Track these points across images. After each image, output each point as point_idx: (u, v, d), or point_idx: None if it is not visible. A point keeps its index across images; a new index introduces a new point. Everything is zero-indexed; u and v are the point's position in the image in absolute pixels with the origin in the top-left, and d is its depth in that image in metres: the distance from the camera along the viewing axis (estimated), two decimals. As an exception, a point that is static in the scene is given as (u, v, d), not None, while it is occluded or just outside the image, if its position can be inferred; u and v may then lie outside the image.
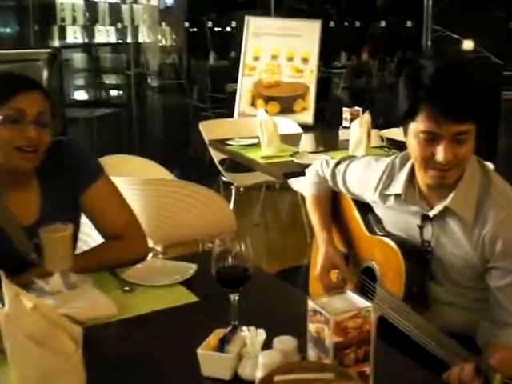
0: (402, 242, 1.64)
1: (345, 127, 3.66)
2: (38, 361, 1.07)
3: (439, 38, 6.36)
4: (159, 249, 2.79)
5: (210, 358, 1.18)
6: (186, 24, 9.59)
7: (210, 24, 10.20)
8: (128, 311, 1.47)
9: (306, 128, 4.48)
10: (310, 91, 5.05)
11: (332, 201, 1.94)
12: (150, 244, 2.80)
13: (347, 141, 3.29)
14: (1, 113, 1.57)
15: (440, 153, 1.43)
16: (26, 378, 1.09)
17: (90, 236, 1.97)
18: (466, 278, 1.58)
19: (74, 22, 7.15)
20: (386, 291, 1.63)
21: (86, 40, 7.34)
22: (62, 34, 6.97)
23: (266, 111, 4.94)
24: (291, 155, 3.22)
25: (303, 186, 1.99)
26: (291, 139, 3.60)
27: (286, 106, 5.07)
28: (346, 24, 10.61)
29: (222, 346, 1.18)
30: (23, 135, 1.58)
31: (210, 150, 4.07)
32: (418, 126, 1.45)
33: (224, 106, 6.81)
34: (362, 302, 1.11)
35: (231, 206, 4.34)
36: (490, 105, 1.45)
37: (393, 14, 10.51)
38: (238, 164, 3.73)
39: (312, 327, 1.11)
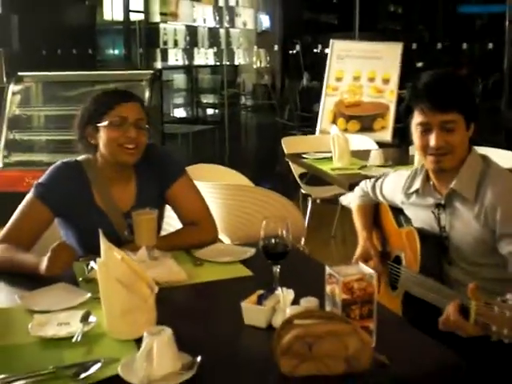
0: (422, 230, 1.96)
1: (415, 144, 3.89)
2: (123, 299, 1.45)
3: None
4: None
5: (250, 310, 1.52)
6: (281, 46, 10.02)
7: (304, 46, 10.61)
8: (195, 279, 1.85)
9: (384, 146, 4.74)
10: (389, 111, 5.31)
11: (374, 212, 2.27)
12: (228, 241, 3.18)
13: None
14: (107, 118, 2.02)
15: (432, 139, 1.79)
16: (113, 312, 1.47)
17: (170, 225, 2.37)
18: (479, 255, 1.85)
19: (176, 45, 7.77)
20: (407, 269, 1.96)
21: (186, 62, 7.93)
22: (165, 57, 7.59)
23: (347, 129, 5.28)
24: (359, 168, 3.52)
25: (351, 200, 2.37)
26: (363, 154, 3.88)
27: (366, 125, 5.35)
28: (446, 45, 10.71)
29: (260, 301, 1.52)
30: (125, 135, 2.01)
31: (289, 163, 4.42)
32: (415, 120, 1.84)
33: (311, 125, 7.16)
34: (367, 270, 1.41)
35: (307, 216, 4.69)
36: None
37: (490, 37, 10.48)
38: (318, 179, 4.05)
39: (328, 288, 1.43)
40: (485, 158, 1.88)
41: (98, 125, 2.03)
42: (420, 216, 1.99)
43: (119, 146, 2.02)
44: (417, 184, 1.97)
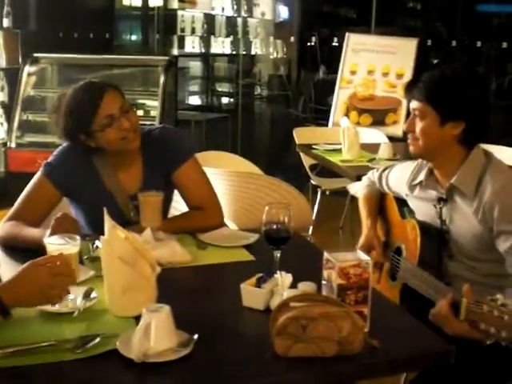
0: (424, 223, 1.98)
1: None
2: (124, 276, 1.49)
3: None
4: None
5: (248, 291, 1.55)
6: (298, 38, 10.01)
7: (321, 39, 10.57)
8: (198, 261, 1.88)
9: (396, 140, 4.74)
10: (402, 105, 5.30)
11: (380, 203, 2.29)
12: (234, 227, 3.21)
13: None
14: (97, 122, 2.01)
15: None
16: (114, 289, 1.51)
17: (176, 209, 2.40)
18: (478, 251, 1.87)
19: (193, 32, 7.79)
20: (407, 261, 1.99)
21: (203, 50, 7.94)
22: (181, 44, 7.61)
23: (359, 123, 5.28)
24: (368, 160, 3.53)
25: (358, 189, 2.38)
26: (373, 147, 3.88)
27: (378, 119, 5.34)
28: (462, 42, 10.63)
29: (259, 283, 1.55)
30: (121, 128, 2.02)
31: (300, 154, 4.43)
32: None
33: (324, 118, 7.15)
34: (364, 257, 1.44)
35: (316, 207, 4.72)
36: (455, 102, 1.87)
37: (507, 36, 10.40)
38: (328, 171, 4.06)
39: (325, 273, 1.46)
40: (488, 155, 1.89)
41: (92, 130, 2.03)
42: (423, 209, 2.01)
43: (122, 139, 2.04)
44: (421, 176, 1.99)
